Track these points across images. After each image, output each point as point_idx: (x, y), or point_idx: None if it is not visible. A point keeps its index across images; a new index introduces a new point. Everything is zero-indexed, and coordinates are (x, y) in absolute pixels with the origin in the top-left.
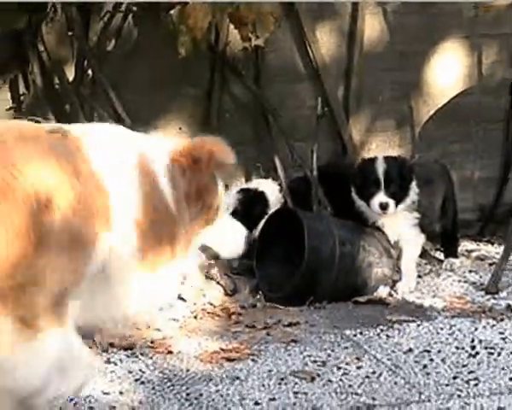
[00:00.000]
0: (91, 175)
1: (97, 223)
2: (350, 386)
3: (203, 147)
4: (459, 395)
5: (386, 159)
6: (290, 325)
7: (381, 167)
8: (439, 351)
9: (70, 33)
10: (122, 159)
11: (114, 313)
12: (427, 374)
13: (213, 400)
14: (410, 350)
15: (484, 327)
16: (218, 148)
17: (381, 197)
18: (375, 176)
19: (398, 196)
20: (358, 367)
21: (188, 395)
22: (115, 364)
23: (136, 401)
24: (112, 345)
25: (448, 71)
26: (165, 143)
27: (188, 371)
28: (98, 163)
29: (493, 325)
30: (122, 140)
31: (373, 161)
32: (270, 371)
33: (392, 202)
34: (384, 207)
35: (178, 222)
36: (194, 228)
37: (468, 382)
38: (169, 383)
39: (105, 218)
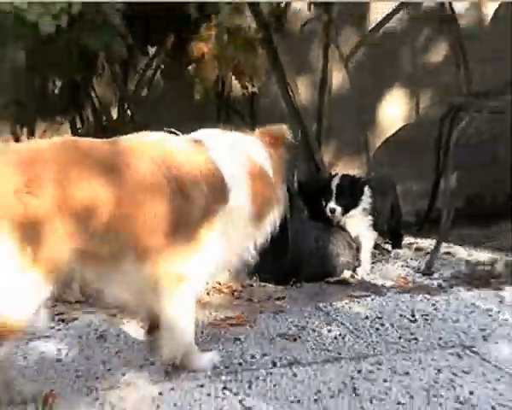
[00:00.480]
0: (213, 165)
1: (216, 197)
2: (323, 344)
3: (281, 128)
4: (403, 351)
5: (342, 176)
6: (278, 299)
7: (335, 182)
8: (388, 318)
9: (114, 84)
10: (233, 151)
11: (239, 248)
12: (380, 335)
13: (221, 355)
14: (367, 317)
15: (421, 300)
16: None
17: (331, 204)
18: (330, 188)
19: (348, 205)
20: (329, 331)
21: (202, 351)
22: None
23: None
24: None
25: (394, 111)
26: (260, 131)
27: (202, 333)
28: (216, 156)
29: (428, 299)
30: (230, 138)
31: (332, 177)
32: (262, 333)
33: (339, 209)
34: (332, 211)
35: (275, 187)
36: (280, 191)
37: (409, 341)
38: None
39: (223, 196)
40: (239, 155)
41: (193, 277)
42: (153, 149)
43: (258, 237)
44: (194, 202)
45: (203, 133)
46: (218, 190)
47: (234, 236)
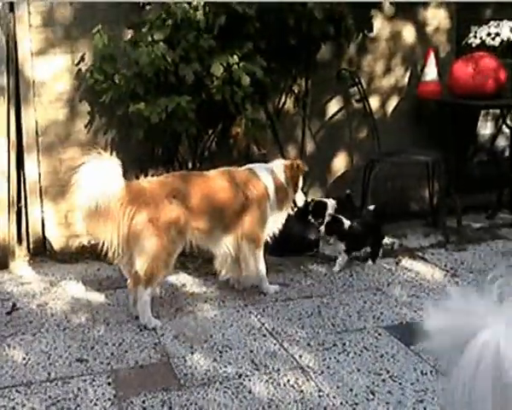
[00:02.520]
0: (261, 183)
1: (265, 199)
2: (303, 289)
3: (295, 161)
4: (346, 292)
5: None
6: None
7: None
8: (338, 274)
9: (190, 150)
10: (267, 172)
11: (274, 224)
12: (332, 283)
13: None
14: (326, 274)
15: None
16: (300, 162)
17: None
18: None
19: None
20: (305, 281)
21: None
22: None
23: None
24: None
25: (340, 162)
26: (281, 162)
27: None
28: (261, 176)
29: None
30: (266, 166)
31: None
32: (270, 283)
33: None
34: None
35: (287, 192)
36: (292, 194)
37: (350, 285)
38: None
39: (267, 197)
40: (271, 176)
41: (259, 238)
42: (228, 175)
43: (280, 220)
44: (253, 200)
45: (251, 166)
46: (265, 195)
47: (272, 217)
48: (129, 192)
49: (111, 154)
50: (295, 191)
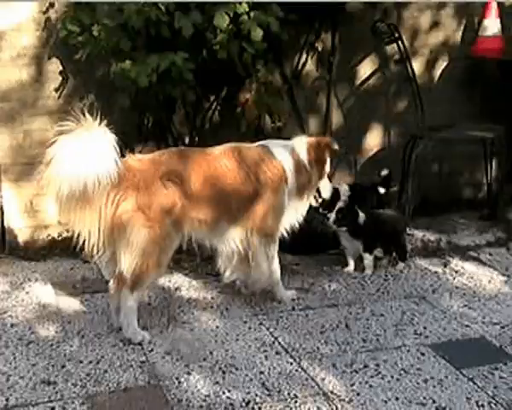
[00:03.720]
0: (278, 164)
1: (282, 183)
2: (325, 295)
3: (322, 139)
4: (379, 300)
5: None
6: (296, 264)
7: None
8: (369, 278)
9: (186, 120)
10: (285, 151)
11: (292, 215)
12: (363, 289)
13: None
14: (355, 277)
15: (391, 266)
16: (329, 140)
17: None
18: None
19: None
20: (329, 286)
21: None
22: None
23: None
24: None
25: (373, 139)
26: (304, 140)
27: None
28: (278, 155)
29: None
30: (283, 142)
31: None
32: (286, 286)
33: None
34: None
35: (310, 177)
36: (316, 180)
37: (383, 292)
38: None
39: (284, 181)
40: (290, 156)
41: (273, 232)
42: (236, 153)
43: (300, 211)
44: (267, 185)
45: (265, 142)
46: (282, 178)
47: (290, 207)
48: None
49: (98, 122)
50: (320, 177)
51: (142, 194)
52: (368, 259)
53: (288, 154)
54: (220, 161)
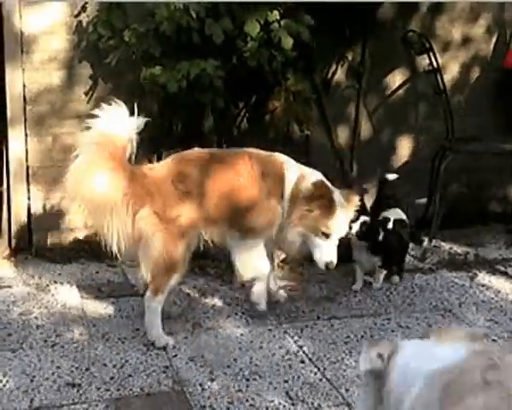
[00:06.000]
0: (282, 177)
1: (277, 197)
2: (350, 305)
3: (324, 184)
4: (405, 311)
5: None
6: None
7: None
8: (395, 289)
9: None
10: (295, 169)
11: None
12: (390, 300)
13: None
14: (381, 288)
15: (418, 277)
16: (350, 194)
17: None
18: None
19: None
20: (354, 296)
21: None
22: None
23: None
24: None
25: (402, 150)
26: (317, 175)
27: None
28: (286, 167)
29: (421, 276)
30: (293, 163)
31: None
32: (310, 297)
33: None
34: None
35: (307, 216)
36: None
37: (409, 304)
38: None
39: (280, 194)
40: (296, 176)
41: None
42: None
43: (294, 241)
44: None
45: (281, 155)
46: (280, 181)
47: (285, 230)
48: (135, 179)
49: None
50: (324, 223)
51: (157, 200)
52: (382, 273)
53: (296, 173)
54: (234, 166)
